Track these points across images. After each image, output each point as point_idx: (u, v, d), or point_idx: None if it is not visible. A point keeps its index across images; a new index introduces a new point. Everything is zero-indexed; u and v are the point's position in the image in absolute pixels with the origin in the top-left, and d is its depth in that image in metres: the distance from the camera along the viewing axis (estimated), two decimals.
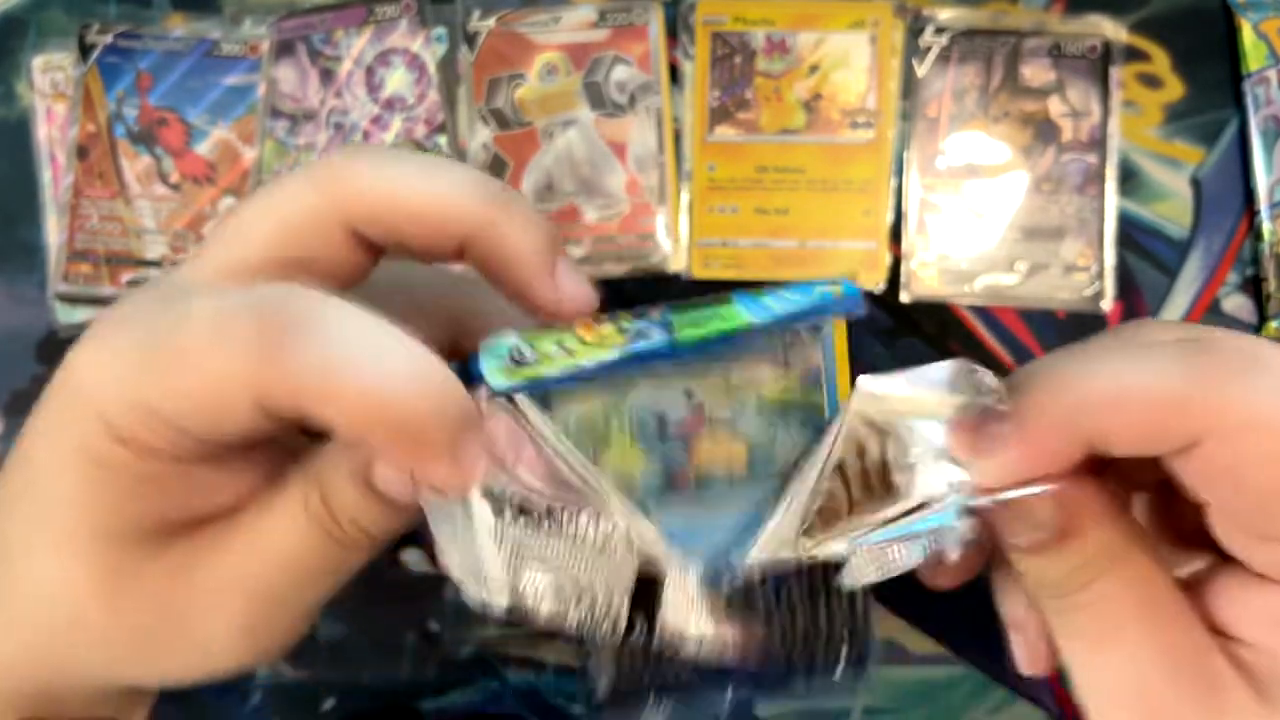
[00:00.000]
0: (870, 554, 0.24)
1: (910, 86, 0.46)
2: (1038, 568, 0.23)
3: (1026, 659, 0.27)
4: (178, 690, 0.44)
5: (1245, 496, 0.21)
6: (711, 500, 0.26)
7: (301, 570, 0.23)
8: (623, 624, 0.24)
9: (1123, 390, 0.21)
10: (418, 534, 0.47)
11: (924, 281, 0.46)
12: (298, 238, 0.23)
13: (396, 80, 0.46)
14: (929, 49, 0.46)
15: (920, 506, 0.23)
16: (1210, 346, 0.21)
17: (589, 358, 0.23)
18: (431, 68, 0.46)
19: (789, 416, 0.26)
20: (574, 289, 0.24)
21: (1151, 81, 0.47)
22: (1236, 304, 0.46)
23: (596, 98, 0.46)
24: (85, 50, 0.46)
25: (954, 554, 0.23)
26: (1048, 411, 0.21)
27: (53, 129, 0.46)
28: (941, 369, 0.23)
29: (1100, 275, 0.46)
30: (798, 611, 0.24)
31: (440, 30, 0.47)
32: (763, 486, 0.25)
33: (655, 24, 0.46)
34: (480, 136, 0.46)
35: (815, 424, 0.25)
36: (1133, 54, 0.47)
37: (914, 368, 0.23)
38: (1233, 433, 0.20)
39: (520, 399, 0.23)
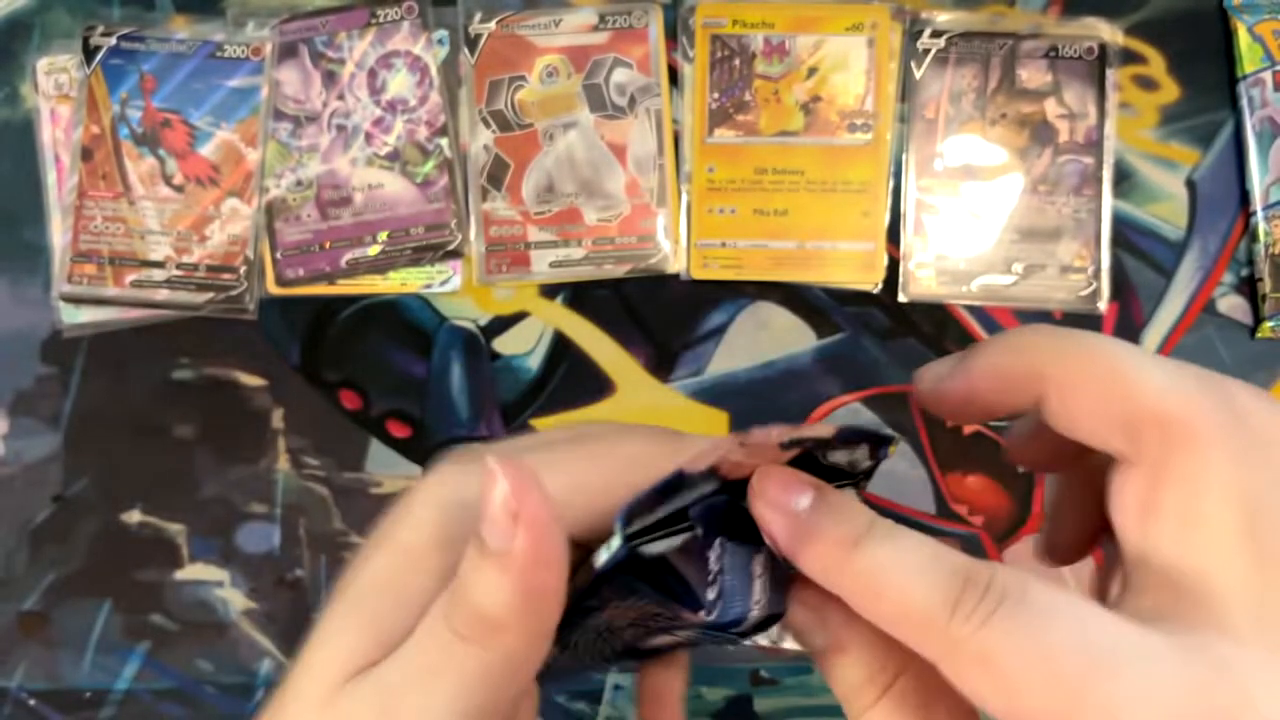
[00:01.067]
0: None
1: (908, 89, 0.47)
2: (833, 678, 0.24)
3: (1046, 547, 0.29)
4: (182, 689, 0.44)
5: (1086, 411, 0.23)
6: None
7: None
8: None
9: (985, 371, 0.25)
10: None
11: (921, 282, 0.46)
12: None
13: (398, 82, 0.47)
14: (927, 51, 0.47)
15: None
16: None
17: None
18: (433, 70, 0.47)
19: None
20: None
21: (1147, 84, 0.47)
22: (1232, 304, 0.47)
23: (597, 100, 0.47)
24: (89, 52, 0.46)
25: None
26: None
27: (57, 131, 0.47)
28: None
29: (1096, 276, 0.46)
30: None
31: (442, 33, 0.47)
32: None
33: (655, 27, 0.47)
34: (481, 138, 0.47)
35: None
36: (1129, 56, 0.47)
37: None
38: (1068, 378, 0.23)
39: None
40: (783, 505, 0.23)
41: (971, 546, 0.46)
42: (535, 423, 0.46)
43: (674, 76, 0.47)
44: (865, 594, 0.22)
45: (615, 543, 0.22)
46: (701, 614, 0.24)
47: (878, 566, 0.22)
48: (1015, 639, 0.20)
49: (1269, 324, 0.46)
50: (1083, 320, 0.46)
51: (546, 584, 0.22)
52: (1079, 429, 0.23)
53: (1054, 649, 0.20)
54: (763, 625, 0.25)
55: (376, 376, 0.47)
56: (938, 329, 0.47)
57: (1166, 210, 0.47)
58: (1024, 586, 0.21)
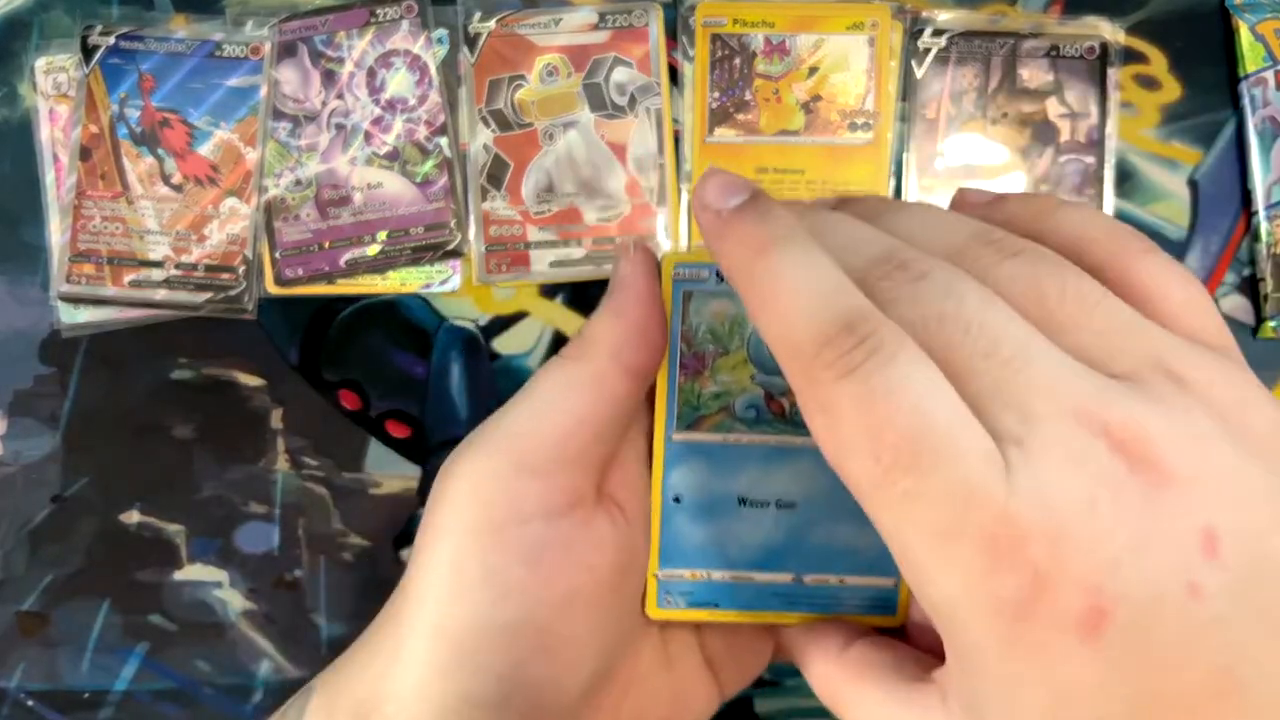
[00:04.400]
0: None
1: (909, 88, 0.46)
2: None
3: None
4: (180, 690, 0.44)
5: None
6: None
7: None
8: None
9: None
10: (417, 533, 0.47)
11: None
12: None
13: (398, 82, 0.47)
14: (927, 51, 0.47)
15: None
16: None
17: None
18: (433, 69, 0.47)
19: None
20: None
21: (1149, 83, 0.47)
22: (1234, 304, 0.47)
23: (597, 99, 0.47)
24: (88, 52, 0.46)
25: None
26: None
27: (55, 130, 0.47)
28: None
29: None
30: None
31: (441, 32, 0.47)
32: None
33: (655, 26, 0.47)
34: (481, 138, 0.47)
35: None
36: (1130, 55, 0.47)
37: None
38: None
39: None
40: (714, 203, 0.24)
41: None
42: None
43: (674, 76, 0.47)
44: (756, 300, 0.22)
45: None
46: None
47: (774, 277, 0.22)
48: (858, 405, 0.20)
49: (1270, 324, 0.46)
50: None
51: (643, 309, 0.28)
52: None
53: (883, 428, 0.20)
54: None
55: (376, 376, 0.47)
56: None
57: (1168, 210, 0.47)
58: (896, 353, 0.20)
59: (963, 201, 0.26)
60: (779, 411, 0.30)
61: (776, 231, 0.23)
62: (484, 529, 0.26)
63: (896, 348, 0.20)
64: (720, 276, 0.29)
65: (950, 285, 0.21)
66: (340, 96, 0.47)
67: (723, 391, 0.30)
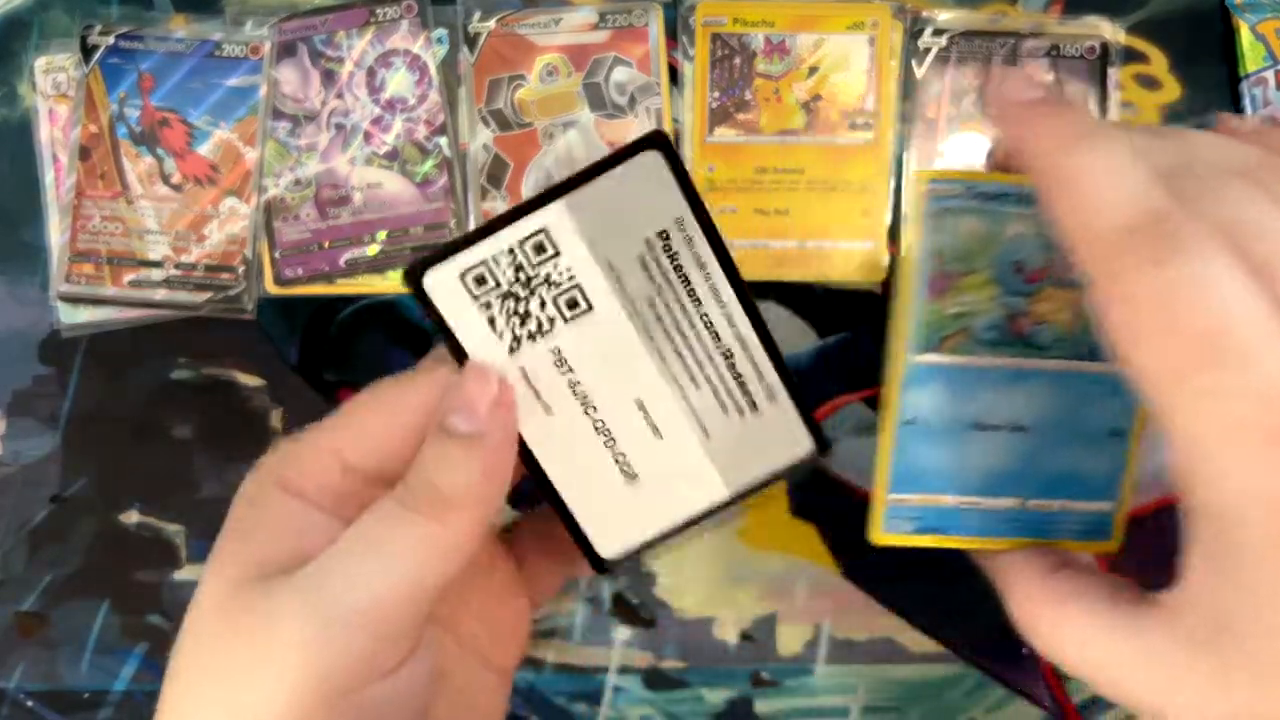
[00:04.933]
0: None
1: (909, 88, 0.46)
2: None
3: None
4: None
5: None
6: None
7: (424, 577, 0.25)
8: None
9: None
10: None
11: None
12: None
13: (398, 81, 0.46)
14: (928, 50, 0.46)
15: None
16: None
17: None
18: (432, 69, 0.47)
19: None
20: None
21: (1149, 83, 0.47)
22: None
23: (597, 99, 0.47)
24: (87, 51, 0.46)
25: None
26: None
27: (55, 130, 0.47)
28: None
29: None
30: None
31: (441, 32, 0.47)
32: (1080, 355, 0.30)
33: (655, 26, 0.46)
34: (481, 137, 0.47)
35: None
36: (1131, 55, 0.47)
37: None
38: None
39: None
40: (1018, 94, 0.25)
41: None
42: None
43: (674, 75, 0.47)
44: (1059, 187, 0.23)
45: None
46: None
47: (1084, 165, 0.22)
48: (1163, 296, 0.20)
49: None
50: None
51: (508, 464, 0.26)
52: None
53: (1188, 321, 0.20)
54: None
55: (375, 376, 0.46)
56: None
57: None
58: (1203, 248, 0.20)
59: (1228, 127, 0.27)
60: (1019, 333, 0.30)
61: (1087, 124, 0.23)
62: (321, 701, 0.24)
63: (1205, 243, 0.20)
64: (973, 193, 0.29)
65: (1247, 193, 0.21)
66: (340, 96, 0.47)
67: (964, 312, 0.30)
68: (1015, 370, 0.30)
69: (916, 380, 0.30)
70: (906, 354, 0.30)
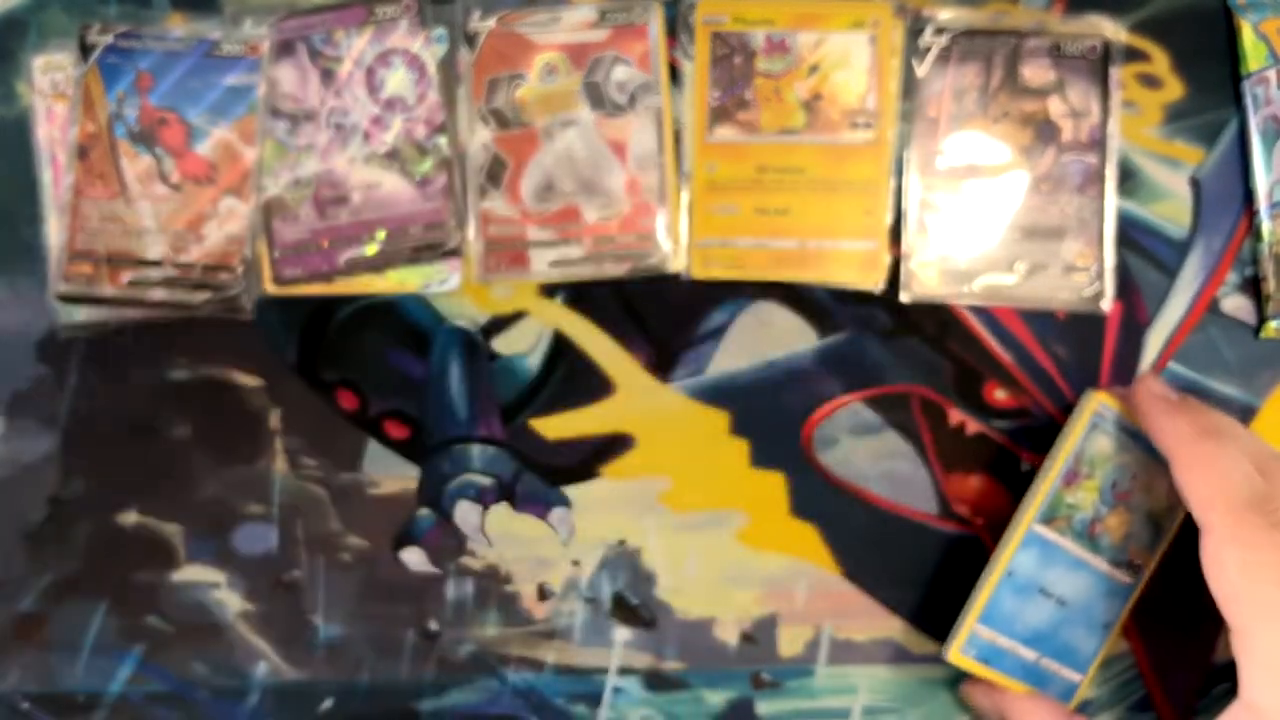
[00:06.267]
0: None
1: (910, 87, 0.46)
2: None
3: None
4: (175, 694, 0.44)
5: None
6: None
7: None
8: None
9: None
10: (418, 534, 0.47)
11: (924, 282, 0.46)
12: None
13: (397, 80, 0.46)
14: (929, 49, 0.46)
15: None
16: None
17: None
18: (431, 68, 0.46)
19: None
20: None
21: (1151, 81, 0.47)
22: (1236, 304, 0.46)
23: (596, 98, 0.46)
24: (85, 50, 0.46)
25: None
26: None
27: (53, 129, 0.46)
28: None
29: (1100, 275, 0.46)
30: None
31: (440, 30, 0.47)
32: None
33: (655, 24, 0.46)
34: (480, 136, 0.46)
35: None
36: (1133, 54, 0.47)
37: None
38: None
39: None
40: (1165, 393, 0.38)
41: (973, 547, 0.45)
42: (535, 423, 0.46)
43: (674, 74, 0.47)
44: (1192, 465, 0.35)
45: None
46: None
47: (1216, 453, 0.35)
48: (1274, 550, 0.33)
49: (1273, 324, 0.46)
50: (1087, 320, 0.46)
51: None
52: None
53: None
54: None
55: (374, 376, 0.46)
56: (940, 329, 0.46)
57: (1170, 209, 0.47)
58: None
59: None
60: (1092, 533, 0.40)
61: (1220, 423, 0.36)
62: None
63: None
64: (1121, 427, 0.40)
65: None
66: (338, 95, 0.46)
67: (1075, 504, 0.40)
68: (1079, 559, 0.40)
69: (1028, 543, 0.40)
70: (1032, 521, 0.40)
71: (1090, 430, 0.40)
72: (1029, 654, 0.41)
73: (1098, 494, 0.40)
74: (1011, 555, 0.40)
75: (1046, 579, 0.40)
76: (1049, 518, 0.40)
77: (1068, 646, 0.41)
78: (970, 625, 0.40)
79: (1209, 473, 0.34)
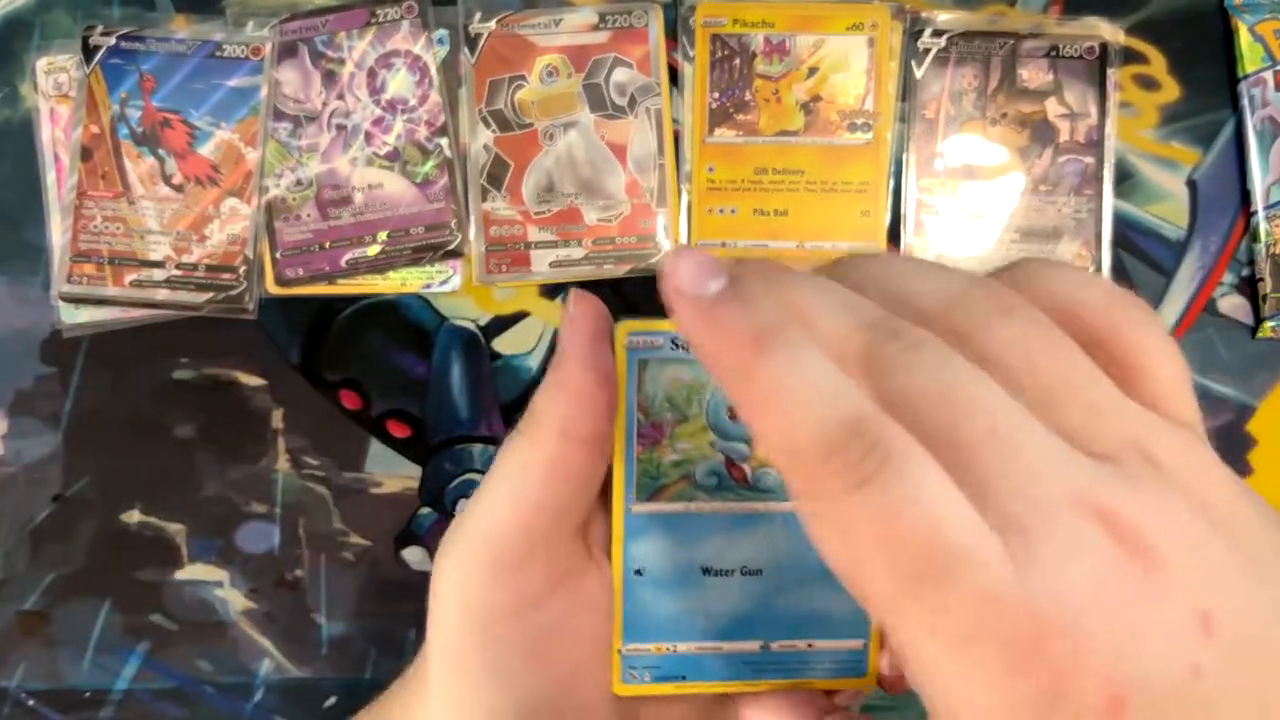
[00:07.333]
0: None
1: (908, 88, 0.47)
2: None
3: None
4: (181, 689, 0.44)
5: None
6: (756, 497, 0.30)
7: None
8: None
9: None
10: (419, 533, 0.47)
11: None
12: None
13: (398, 82, 0.47)
14: (927, 51, 0.47)
15: None
16: None
17: None
18: (433, 70, 0.47)
19: None
20: None
21: (1148, 83, 0.47)
22: (1233, 304, 0.47)
23: (597, 99, 0.47)
24: (89, 52, 0.46)
25: None
26: None
27: (56, 130, 0.47)
28: None
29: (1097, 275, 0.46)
30: None
31: (442, 32, 0.47)
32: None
33: (655, 26, 0.47)
34: (481, 138, 0.47)
35: None
36: (1130, 56, 0.47)
37: None
38: None
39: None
40: (690, 289, 0.21)
41: None
42: None
43: (674, 76, 0.47)
44: (752, 404, 0.20)
45: None
46: None
47: (771, 380, 0.20)
48: (874, 518, 0.19)
49: (1270, 324, 0.46)
50: None
51: (583, 385, 0.27)
52: None
53: (902, 542, 0.19)
54: None
55: (376, 376, 0.47)
56: None
57: (1167, 210, 0.47)
58: (906, 459, 0.19)
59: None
60: (740, 478, 0.30)
61: (766, 323, 0.20)
62: (474, 629, 0.27)
63: (906, 453, 0.19)
64: (676, 343, 0.29)
65: (945, 360, 0.20)
66: (341, 97, 0.47)
67: (683, 459, 0.30)
68: (741, 515, 0.30)
69: (639, 531, 0.30)
70: (626, 505, 0.30)
71: (640, 369, 0.29)
72: (745, 645, 0.31)
73: (711, 433, 0.30)
74: (622, 552, 0.30)
75: (703, 556, 0.30)
76: (651, 491, 0.30)
77: (813, 616, 0.31)
78: (617, 646, 0.31)
79: (770, 412, 0.20)
